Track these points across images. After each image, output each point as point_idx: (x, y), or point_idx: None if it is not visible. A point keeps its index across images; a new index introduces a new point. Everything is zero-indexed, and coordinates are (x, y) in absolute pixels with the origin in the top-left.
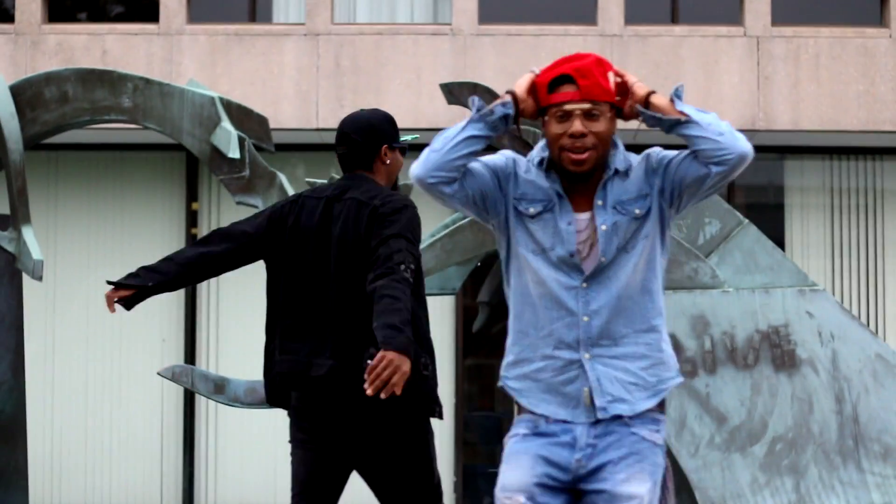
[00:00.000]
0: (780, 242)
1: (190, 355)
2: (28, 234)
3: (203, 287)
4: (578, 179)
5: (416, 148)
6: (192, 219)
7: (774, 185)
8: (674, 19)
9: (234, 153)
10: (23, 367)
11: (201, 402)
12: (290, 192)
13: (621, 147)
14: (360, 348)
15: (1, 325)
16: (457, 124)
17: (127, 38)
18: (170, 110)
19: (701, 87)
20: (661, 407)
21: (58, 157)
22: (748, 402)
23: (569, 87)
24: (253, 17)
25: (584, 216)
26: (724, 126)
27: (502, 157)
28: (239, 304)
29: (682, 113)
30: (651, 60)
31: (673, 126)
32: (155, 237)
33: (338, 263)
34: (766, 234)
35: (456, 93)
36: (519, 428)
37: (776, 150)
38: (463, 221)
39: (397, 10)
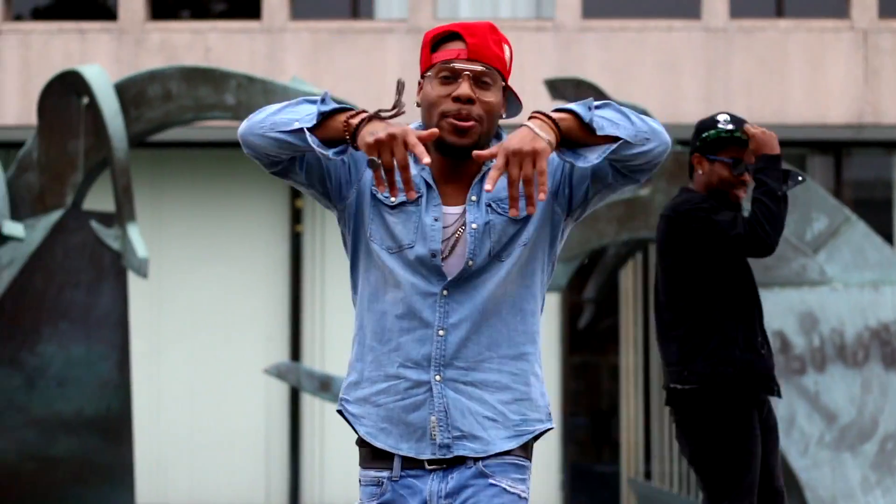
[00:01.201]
0: (888, 238)
1: (295, 353)
2: (133, 231)
3: (307, 284)
4: (454, 157)
5: None
6: (295, 216)
7: (883, 179)
8: (779, 13)
9: None
10: (129, 365)
11: (307, 400)
12: None
13: (505, 138)
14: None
15: (106, 323)
16: (295, 107)
17: (230, 36)
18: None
19: (807, 81)
20: (525, 452)
21: (162, 155)
22: (858, 401)
23: (457, 44)
24: (355, 14)
25: (455, 211)
26: (648, 124)
27: None
28: (344, 301)
29: (608, 137)
30: (756, 55)
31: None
32: (259, 234)
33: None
34: (874, 230)
35: (560, 88)
36: (362, 498)
37: (884, 146)
38: None
39: (500, 4)
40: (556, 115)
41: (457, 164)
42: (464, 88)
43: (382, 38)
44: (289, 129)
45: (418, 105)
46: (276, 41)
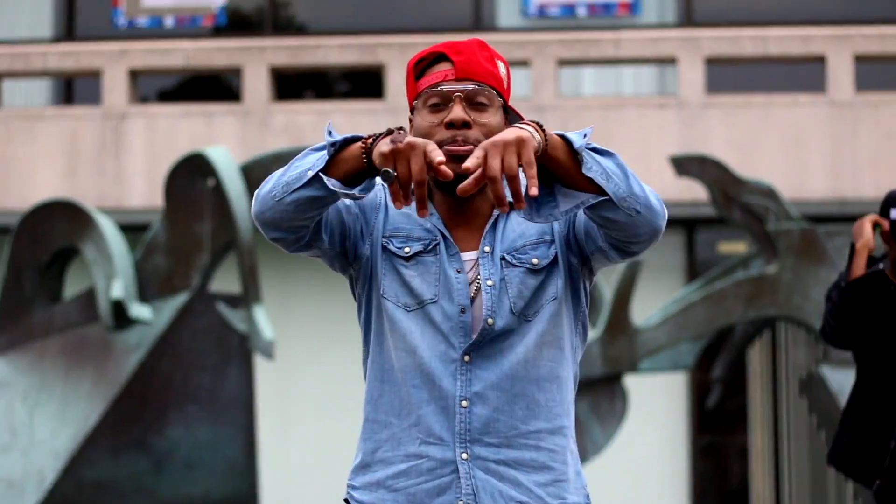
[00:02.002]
0: None
1: None
2: (259, 313)
3: None
4: (457, 196)
5: None
6: None
7: None
8: None
9: None
10: (256, 447)
11: None
12: None
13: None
14: None
15: (233, 406)
16: (301, 160)
17: (353, 116)
18: None
19: None
20: None
21: None
22: None
23: (443, 66)
24: None
25: (469, 257)
26: (647, 196)
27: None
28: None
29: (593, 186)
30: (883, 129)
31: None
32: None
33: None
34: None
35: (685, 165)
36: None
37: None
38: (694, 298)
39: (623, 81)
40: (545, 129)
41: (464, 204)
42: (456, 111)
43: None
44: (304, 181)
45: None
46: (399, 120)
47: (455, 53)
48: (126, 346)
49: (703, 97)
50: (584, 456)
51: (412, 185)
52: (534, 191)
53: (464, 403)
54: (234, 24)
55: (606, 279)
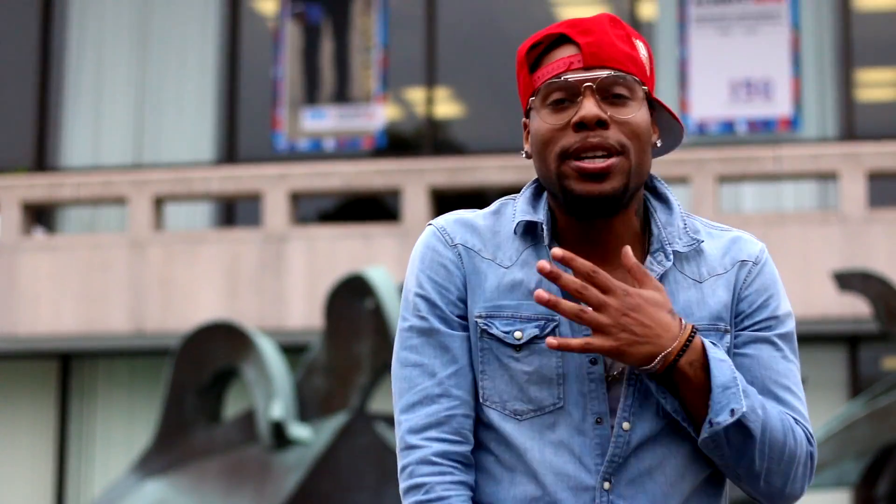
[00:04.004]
0: None
1: None
2: None
3: None
4: (592, 218)
5: None
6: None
7: None
8: None
9: None
10: None
11: None
12: None
13: (673, 199)
14: None
15: None
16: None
17: None
18: None
19: None
20: None
21: None
22: None
23: (566, 50)
24: None
25: None
26: (796, 458)
27: (439, 245)
28: None
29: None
30: None
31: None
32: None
33: None
34: None
35: (848, 281)
36: None
37: None
38: (858, 414)
39: (783, 197)
40: (698, 346)
41: (599, 234)
42: (587, 107)
43: None
44: None
45: (527, 156)
46: None
47: (581, 34)
48: (285, 467)
49: (865, 212)
50: None
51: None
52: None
53: None
54: (394, 146)
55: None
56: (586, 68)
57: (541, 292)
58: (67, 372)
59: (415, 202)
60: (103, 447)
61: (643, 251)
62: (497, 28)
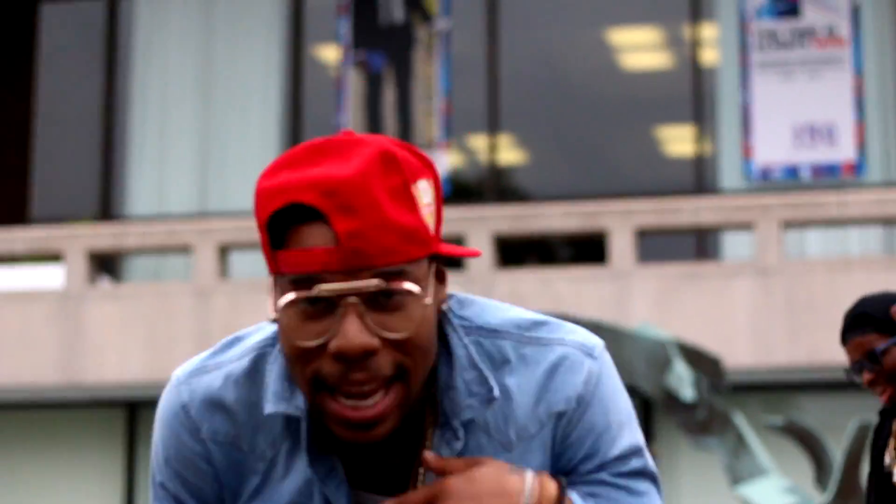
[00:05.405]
0: None
1: None
2: None
3: None
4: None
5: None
6: None
7: None
8: None
9: (689, 396)
10: None
11: None
12: (747, 432)
13: (453, 337)
14: None
15: None
16: None
17: (576, 283)
18: (623, 354)
19: None
20: None
21: None
22: None
23: (315, 232)
24: (702, 256)
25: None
26: None
27: (184, 433)
28: None
29: None
30: None
31: None
32: None
33: None
34: None
35: None
36: None
37: None
38: None
39: (849, 242)
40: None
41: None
42: (350, 334)
43: (730, 281)
44: None
45: (276, 321)
46: (623, 286)
47: (339, 210)
48: None
49: None
50: None
51: None
52: None
53: None
54: (457, 193)
55: (836, 441)
56: (347, 272)
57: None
58: (134, 420)
59: (479, 249)
60: None
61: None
62: (559, 73)
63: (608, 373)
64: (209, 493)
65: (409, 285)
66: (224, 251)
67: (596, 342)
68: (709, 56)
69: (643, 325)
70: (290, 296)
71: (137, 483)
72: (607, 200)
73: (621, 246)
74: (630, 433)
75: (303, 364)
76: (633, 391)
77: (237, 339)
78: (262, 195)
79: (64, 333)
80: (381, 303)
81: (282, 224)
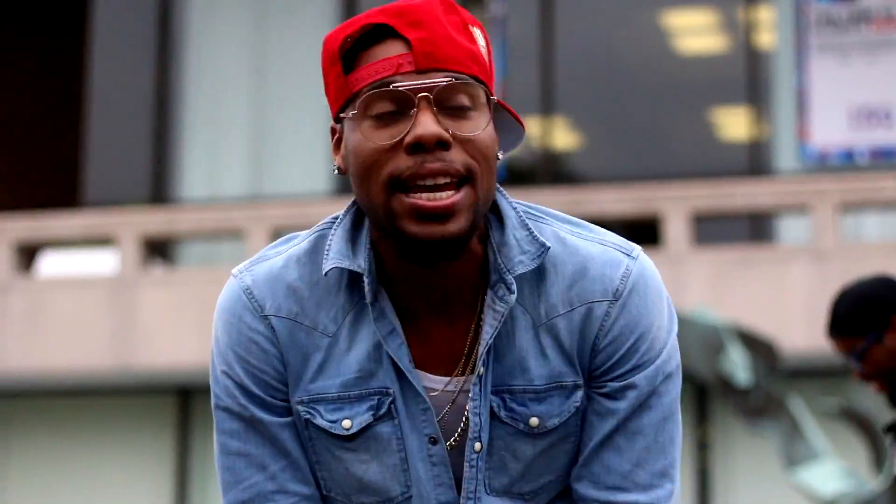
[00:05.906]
0: None
1: None
2: None
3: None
4: (430, 264)
5: None
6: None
7: None
8: None
9: (744, 380)
10: None
11: None
12: (803, 416)
13: (504, 203)
14: None
15: None
16: None
17: None
18: (678, 338)
19: None
20: None
21: None
22: None
23: (391, 47)
24: (758, 239)
25: (436, 384)
26: None
27: (246, 314)
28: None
29: None
30: None
31: None
32: None
33: None
34: None
35: None
36: None
37: None
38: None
39: None
40: None
41: (437, 279)
42: (424, 124)
43: (786, 264)
44: None
45: (341, 172)
46: (679, 269)
47: (410, 26)
48: None
49: None
50: None
51: None
52: None
53: None
54: (512, 177)
55: None
56: (419, 71)
57: None
58: (187, 406)
59: None
60: None
61: (486, 283)
62: (614, 57)
63: (648, 274)
64: (272, 376)
65: (474, 87)
66: (276, 236)
67: (635, 245)
68: (765, 39)
69: (699, 308)
70: (367, 96)
71: (190, 469)
72: (662, 184)
73: (676, 230)
74: (664, 337)
75: (379, 168)
76: (687, 375)
77: (294, 235)
78: (330, 38)
79: (117, 319)
80: (450, 110)
81: (353, 51)
